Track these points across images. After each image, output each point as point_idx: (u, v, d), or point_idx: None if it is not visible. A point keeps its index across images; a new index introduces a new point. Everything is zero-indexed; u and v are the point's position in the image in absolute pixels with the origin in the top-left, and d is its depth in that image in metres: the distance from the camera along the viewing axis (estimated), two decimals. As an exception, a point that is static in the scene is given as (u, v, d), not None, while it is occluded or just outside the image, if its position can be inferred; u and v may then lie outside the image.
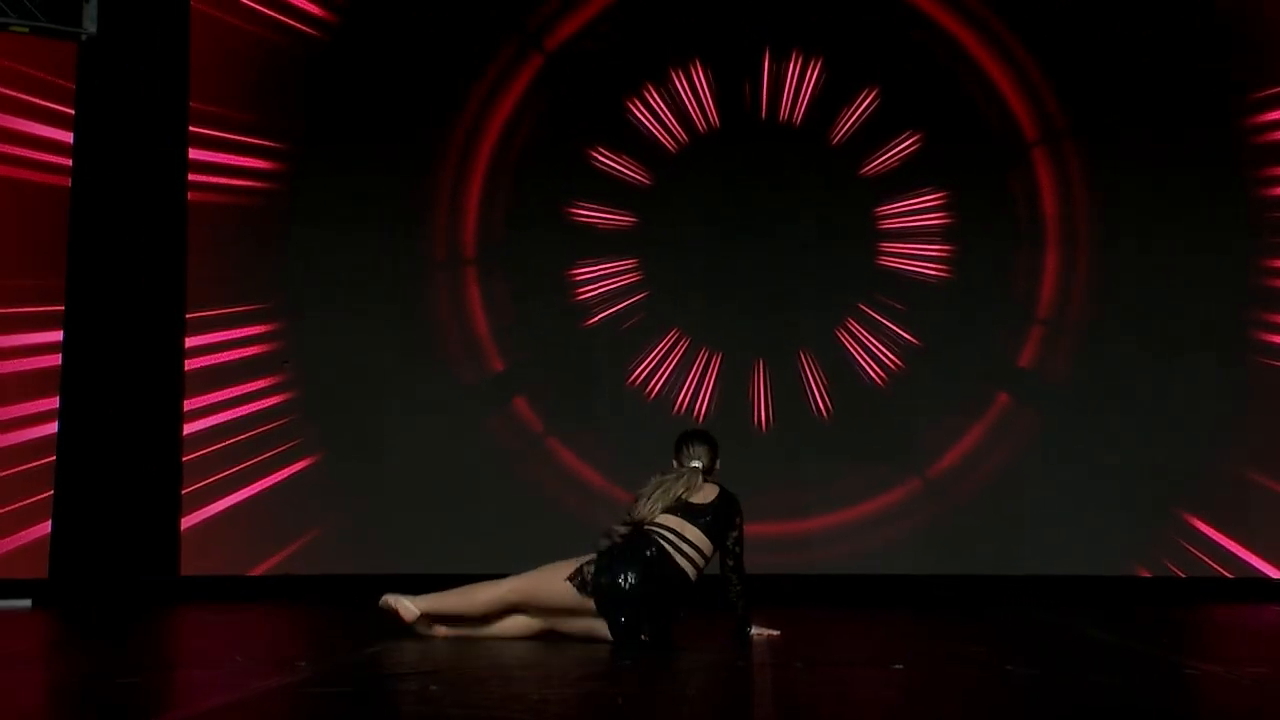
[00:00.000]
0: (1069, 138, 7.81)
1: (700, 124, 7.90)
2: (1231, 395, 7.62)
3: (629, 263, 7.87)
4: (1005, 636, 5.16)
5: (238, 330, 7.80)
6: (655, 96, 7.90)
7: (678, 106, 7.89)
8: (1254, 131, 7.75)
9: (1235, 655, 5.25)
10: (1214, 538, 7.53)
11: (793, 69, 7.87)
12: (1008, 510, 7.64)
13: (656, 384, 7.79)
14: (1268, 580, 7.45)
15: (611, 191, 7.85)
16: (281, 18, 7.86)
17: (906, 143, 7.81)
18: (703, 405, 7.78)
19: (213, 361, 7.78)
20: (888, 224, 7.80)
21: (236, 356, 7.78)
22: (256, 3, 7.85)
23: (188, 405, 7.71)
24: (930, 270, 7.77)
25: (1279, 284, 7.71)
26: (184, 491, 7.66)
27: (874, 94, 7.79)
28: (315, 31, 7.88)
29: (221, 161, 7.82)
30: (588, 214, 7.87)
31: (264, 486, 7.71)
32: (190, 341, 7.74)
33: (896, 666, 4.51)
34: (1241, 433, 7.59)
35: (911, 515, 7.62)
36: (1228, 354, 7.64)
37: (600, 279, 7.87)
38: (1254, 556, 7.49)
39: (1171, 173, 7.77)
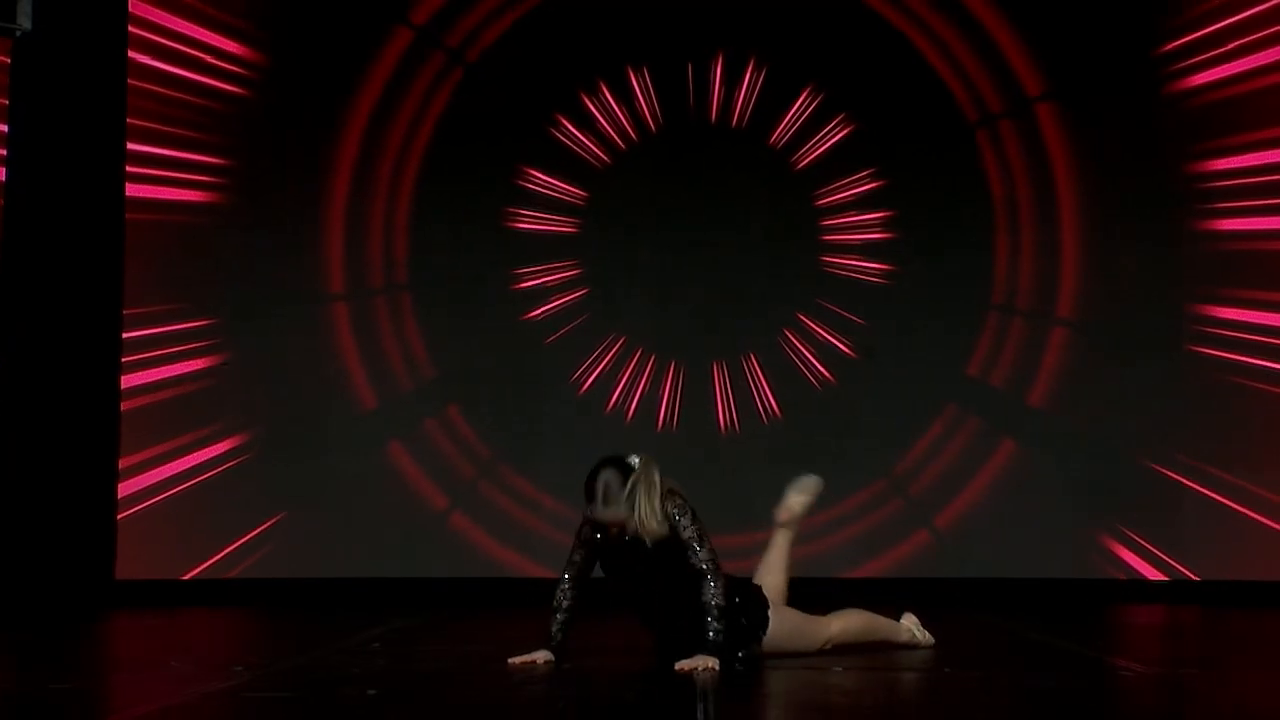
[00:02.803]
0: (1014, 124, 7.85)
1: (639, 128, 7.87)
2: (1168, 396, 7.69)
3: (568, 263, 7.85)
4: (945, 639, 5.19)
5: (176, 328, 7.72)
6: (591, 102, 7.87)
7: (614, 111, 7.87)
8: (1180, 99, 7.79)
9: (1165, 655, 5.32)
10: (1150, 541, 7.60)
11: (729, 70, 7.85)
12: (952, 513, 7.69)
13: (598, 388, 7.77)
14: (1196, 582, 7.53)
15: (548, 201, 7.83)
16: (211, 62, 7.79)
17: (849, 142, 7.83)
18: (657, 410, 7.77)
19: (151, 378, 7.68)
20: (833, 229, 7.82)
21: (174, 373, 7.68)
22: (186, 45, 7.76)
23: (125, 407, 7.61)
24: (875, 269, 7.80)
25: (1217, 292, 7.78)
26: (120, 495, 7.56)
27: (817, 94, 7.81)
28: (245, 72, 7.80)
29: (162, 154, 7.73)
30: (527, 221, 7.85)
31: (201, 490, 7.63)
32: (129, 342, 7.64)
33: (837, 669, 4.53)
34: (1177, 435, 7.66)
35: (857, 519, 7.64)
36: (1165, 353, 7.71)
37: (541, 284, 7.85)
38: (1185, 559, 7.57)
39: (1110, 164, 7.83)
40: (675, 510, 4.54)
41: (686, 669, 4.38)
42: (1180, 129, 7.76)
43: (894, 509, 7.67)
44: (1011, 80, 7.85)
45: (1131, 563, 7.58)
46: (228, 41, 7.79)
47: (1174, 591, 7.48)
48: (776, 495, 5.04)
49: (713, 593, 4.49)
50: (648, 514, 4.51)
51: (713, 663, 4.40)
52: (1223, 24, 7.73)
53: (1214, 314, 7.69)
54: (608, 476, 4.55)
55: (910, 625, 5.12)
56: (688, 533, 4.53)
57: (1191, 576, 7.53)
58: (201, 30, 7.77)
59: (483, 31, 7.88)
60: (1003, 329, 7.79)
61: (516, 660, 4.57)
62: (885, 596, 7.32)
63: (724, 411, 7.74)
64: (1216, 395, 7.64)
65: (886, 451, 7.71)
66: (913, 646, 5.05)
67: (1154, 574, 7.56)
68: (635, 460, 4.60)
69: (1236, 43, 7.72)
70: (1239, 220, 7.70)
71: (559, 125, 7.85)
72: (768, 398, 7.76)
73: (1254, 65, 7.72)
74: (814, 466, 7.54)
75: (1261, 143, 7.70)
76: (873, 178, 7.79)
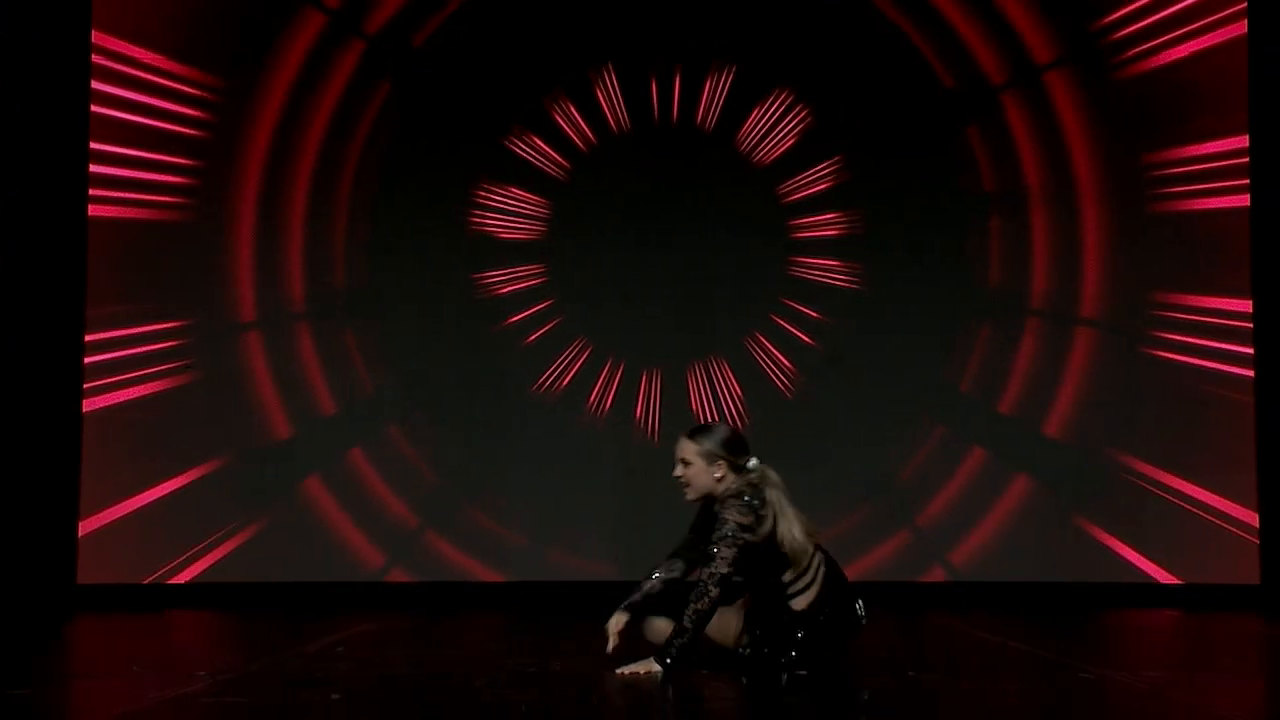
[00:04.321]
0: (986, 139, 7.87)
1: (602, 131, 7.84)
2: (1130, 397, 7.71)
3: (533, 269, 7.83)
4: (911, 642, 5.21)
5: (139, 331, 7.66)
6: (552, 106, 7.84)
7: (577, 115, 7.84)
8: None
9: (1130, 660, 5.34)
10: (1113, 544, 7.63)
11: (692, 71, 7.81)
12: (917, 517, 7.69)
13: (566, 395, 7.75)
14: (1162, 585, 7.56)
15: (514, 205, 7.80)
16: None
17: (815, 142, 7.82)
18: (626, 415, 7.75)
19: (115, 376, 7.61)
20: (800, 229, 7.81)
21: (139, 391, 7.62)
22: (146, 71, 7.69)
23: (87, 407, 7.55)
24: (843, 268, 7.79)
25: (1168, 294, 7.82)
26: (82, 499, 7.50)
27: (783, 92, 7.80)
28: (204, 94, 7.73)
29: (124, 176, 7.67)
30: (492, 223, 7.82)
31: (165, 493, 7.57)
32: (91, 340, 7.57)
33: (800, 673, 4.53)
34: (1140, 437, 7.69)
35: (828, 524, 7.62)
36: (1128, 354, 7.73)
37: (507, 287, 7.82)
38: (1148, 562, 7.60)
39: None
40: (729, 509, 4.56)
41: (626, 674, 4.38)
42: (1136, 114, 7.77)
43: (865, 513, 7.67)
44: (975, 69, 7.84)
45: (1101, 566, 7.59)
46: (186, 69, 7.70)
47: (1140, 595, 7.51)
48: None
49: (690, 606, 4.45)
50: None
51: (655, 668, 4.39)
52: (1173, 10, 7.77)
53: (1178, 310, 7.72)
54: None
55: None
56: (716, 534, 4.54)
57: (1158, 580, 7.55)
58: (161, 59, 7.70)
59: (440, 37, 7.83)
60: (974, 329, 7.79)
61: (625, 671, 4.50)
62: (866, 599, 7.34)
63: (696, 415, 7.73)
64: (1175, 394, 7.66)
65: (857, 455, 7.70)
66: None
67: (1124, 577, 7.57)
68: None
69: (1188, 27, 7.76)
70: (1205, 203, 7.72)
71: (522, 128, 7.81)
72: (738, 402, 7.75)
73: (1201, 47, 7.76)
74: (785, 470, 7.60)
75: (1214, 130, 7.72)
76: (838, 175, 7.78)
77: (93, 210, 7.61)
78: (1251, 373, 7.60)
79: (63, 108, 7.57)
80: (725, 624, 4.71)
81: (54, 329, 7.54)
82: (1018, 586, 7.57)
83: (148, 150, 7.67)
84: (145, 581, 7.50)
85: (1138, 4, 7.77)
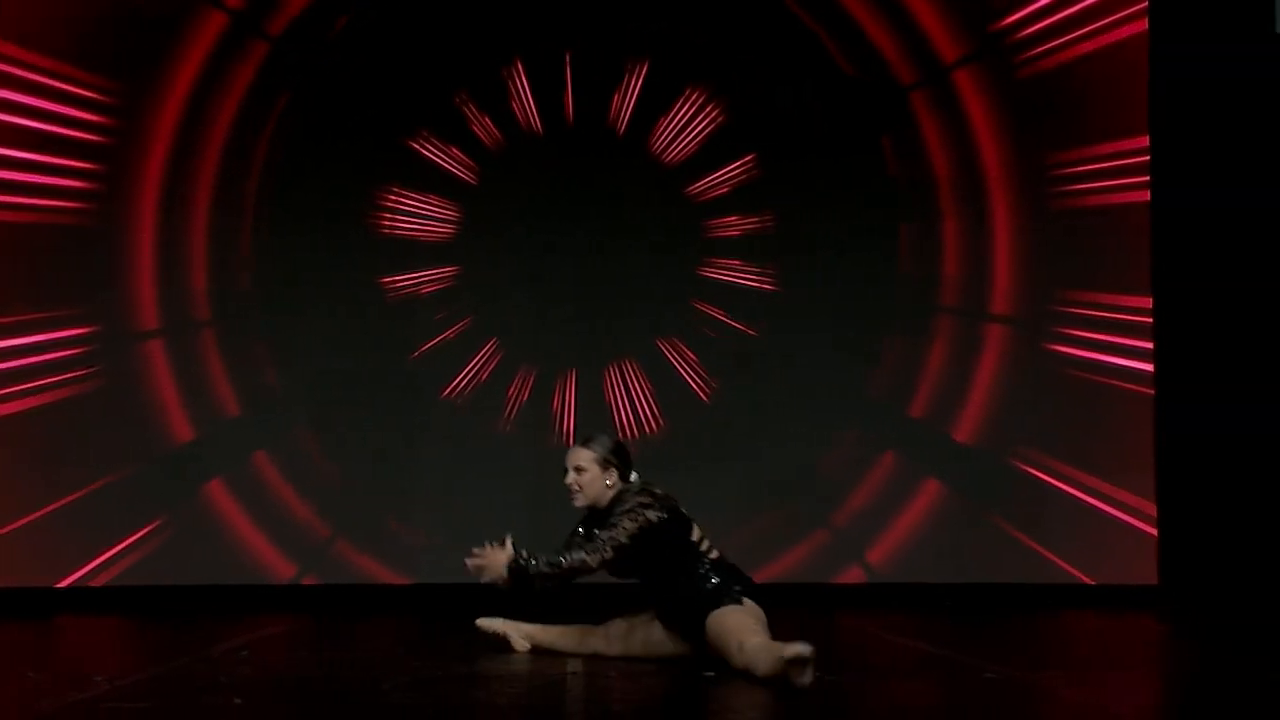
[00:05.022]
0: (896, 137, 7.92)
1: (516, 131, 7.79)
2: (1035, 395, 7.80)
3: (446, 270, 7.78)
4: (823, 644, 5.24)
5: (39, 335, 7.52)
6: (463, 104, 7.79)
7: (487, 117, 7.79)
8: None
9: (1032, 659, 5.42)
10: (1021, 544, 7.69)
11: (604, 69, 7.78)
12: (830, 519, 7.73)
13: (475, 397, 7.70)
14: (1067, 586, 7.65)
15: (423, 208, 7.75)
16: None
17: (728, 139, 7.81)
18: (536, 419, 7.72)
19: (12, 386, 7.46)
20: (714, 229, 7.82)
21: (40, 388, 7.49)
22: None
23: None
24: (754, 277, 7.82)
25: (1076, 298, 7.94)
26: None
27: (700, 98, 7.81)
28: (100, 97, 7.61)
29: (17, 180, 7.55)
30: (402, 225, 7.76)
31: (64, 499, 7.42)
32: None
33: (708, 674, 4.55)
34: (1045, 436, 7.77)
35: (741, 526, 7.65)
36: (1033, 351, 7.82)
37: (416, 289, 7.76)
38: (1054, 561, 7.69)
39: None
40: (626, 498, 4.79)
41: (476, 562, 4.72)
42: (1041, 112, 7.82)
43: (778, 515, 7.68)
44: (885, 69, 7.83)
45: (1009, 566, 7.66)
46: (82, 73, 7.55)
47: (1045, 595, 7.58)
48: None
49: (577, 551, 4.71)
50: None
51: (504, 571, 4.67)
52: (1076, 9, 7.86)
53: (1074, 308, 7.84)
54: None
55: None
56: (619, 510, 4.75)
57: (1063, 580, 7.63)
58: (54, 63, 7.53)
59: (345, 37, 7.73)
60: (885, 328, 7.83)
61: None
62: (773, 600, 7.37)
63: (611, 417, 7.71)
64: (1078, 392, 7.76)
65: (770, 456, 7.71)
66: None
67: (1031, 577, 7.63)
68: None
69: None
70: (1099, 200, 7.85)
71: (431, 129, 7.73)
72: (651, 404, 7.76)
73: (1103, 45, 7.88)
74: (699, 471, 7.63)
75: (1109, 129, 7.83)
76: (749, 174, 7.79)
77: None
78: (1151, 368, 7.69)
79: None
80: (650, 634, 4.81)
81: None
82: (930, 588, 7.63)
83: (45, 154, 7.52)
84: (42, 586, 7.35)
85: (1041, 3, 7.87)
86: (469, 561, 4.73)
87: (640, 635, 4.90)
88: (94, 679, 4.45)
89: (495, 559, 4.69)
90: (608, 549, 4.67)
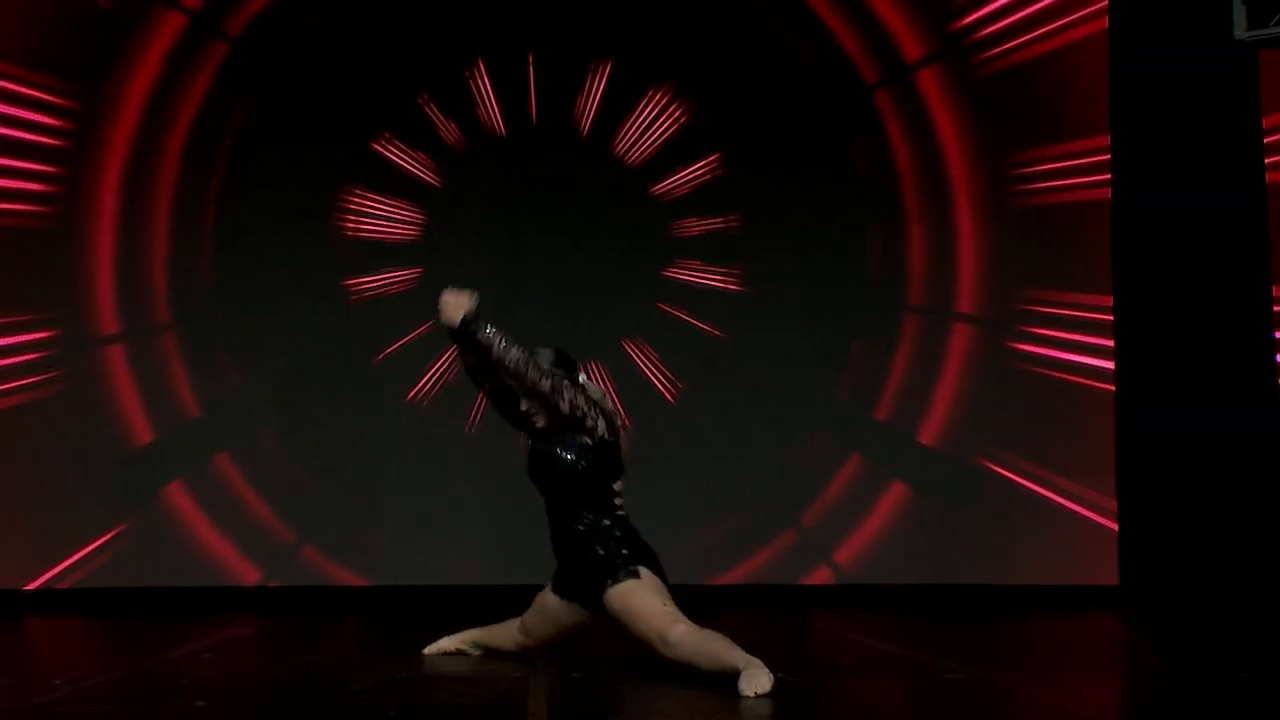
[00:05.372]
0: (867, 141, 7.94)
1: (479, 132, 7.76)
2: (998, 395, 7.83)
3: (409, 272, 7.76)
4: (786, 644, 5.26)
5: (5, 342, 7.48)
6: (428, 104, 7.78)
7: (451, 118, 7.77)
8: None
9: (995, 660, 5.45)
10: (985, 545, 7.73)
11: (568, 68, 7.75)
12: (797, 520, 7.74)
13: (440, 399, 7.68)
14: (1029, 586, 7.69)
15: (387, 209, 7.73)
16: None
17: (703, 155, 7.84)
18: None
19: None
20: (680, 230, 7.82)
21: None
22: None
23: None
24: (720, 278, 7.82)
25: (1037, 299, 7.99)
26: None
27: (664, 97, 7.81)
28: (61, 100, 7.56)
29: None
30: (366, 226, 7.73)
31: (33, 494, 7.38)
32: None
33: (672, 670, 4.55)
34: (1008, 436, 7.81)
35: (706, 525, 7.67)
36: (996, 351, 7.85)
37: (380, 291, 7.74)
38: (1017, 563, 7.74)
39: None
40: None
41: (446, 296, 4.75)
42: (1002, 111, 7.86)
43: (743, 518, 7.69)
44: (850, 69, 7.87)
45: (974, 568, 7.69)
46: (39, 76, 7.50)
47: (1009, 596, 7.61)
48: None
49: (519, 351, 4.79)
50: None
51: (458, 316, 4.76)
52: (1036, 8, 7.89)
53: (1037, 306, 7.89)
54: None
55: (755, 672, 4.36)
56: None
57: (1025, 581, 7.67)
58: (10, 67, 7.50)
59: (307, 36, 7.68)
60: (850, 328, 7.85)
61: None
62: (741, 602, 7.40)
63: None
64: (1041, 391, 7.79)
65: (737, 457, 7.71)
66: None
67: (995, 579, 7.68)
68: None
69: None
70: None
71: (394, 129, 7.72)
72: (617, 406, 7.74)
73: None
74: (667, 472, 7.64)
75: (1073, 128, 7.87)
76: (714, 174, 7.81)
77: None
78: (1112, 366, 7.73)
79: None
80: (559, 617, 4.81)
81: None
82: (897, 589, 7.66)
83: (3, 158, 7.48)
84: (11, 588, 7.30)
85: (1001, 2, 7.90)
86: (443, 295, 4.76)
87: (549, 623, 4.86)
88: (53, 680, 4.42)
89: (458, 302, 4.75)
90: (545, 381, 4.74)
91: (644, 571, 4.60)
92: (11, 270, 7.50)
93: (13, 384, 7.45)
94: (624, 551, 4.63)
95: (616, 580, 4.59)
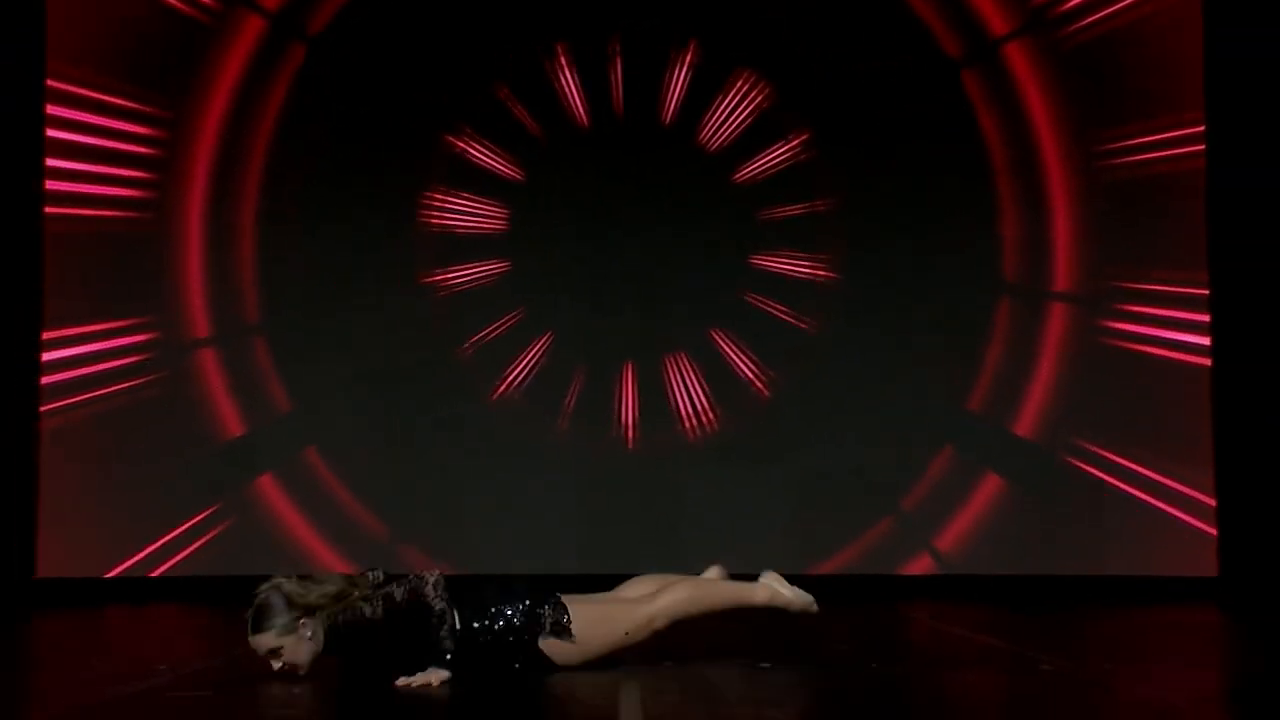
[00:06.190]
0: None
1: (560, 122, 7.76)
2: (1093, 382, 7.71)
3: (499, 265, 7.79)
4: (876, 634, 5.24)
5: (99, 326, 7.62)
6: (508, 96, 7.80)
7: (532, 109, 7.80)
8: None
9: (1089, 652, 5.38)
10: (1078, 537, 7.62)
11: (653, 57, 7.75)
12: (889, 512, 7.67)
13: (528, 391, 7.71)
14: (1125, 578, 7.58)
15: (469, 205, 7.77)
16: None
17: (790, 138, 7.78)
18: (595, 415, 7.72)
19: (74, 363, 7.59)
20: (767, 219, 7.79)
21: (99, 365, 7.59)
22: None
23: (45, 406, 7.48)
24: (808, 266, 7.77)
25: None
26: (41, 489, 7.44)
27: (749, 79, 7.75)
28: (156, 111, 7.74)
29: (84, 142, 7.62)
30: (450, 221, 7.78)
31: (128, 485, 7.52)
32: (50, 341, 7.54)
33: (764, 665, 4.54)
34: (1103, 424, 7.68)
35: (786, 516, 7.64)
36: (1090, 336, 7.73)
37: (465, 285, 7.78)
38: (1110, 554, 7.62)
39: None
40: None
41: (409, 684, 4.10)
42: (1093, 85, 7.70)
43: (836, 508, 7.63)
44: (928, 43, 7.78)
45: (1067, 559, 7.60)
46: (133, 88, 7.63)
47: (1105, 587, 7.50)
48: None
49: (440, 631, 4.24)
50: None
51: (442, 674, 4.15)
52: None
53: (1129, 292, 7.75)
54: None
55: (771, 583, 4.61)
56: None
57: (1122, 573, 7.55)
58: (109, 80, 7.63)
59: (386, 34, 7.74)
60: (944, 314, 7.73)
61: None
62: (834, 592, 7.35)
63: (672, 409, 7.70)
64: (1137, 379, 7.64)
65: (828, 449, 7.66)
66: (784, 609, 4.62)
67: (1090, 570, 7.56)
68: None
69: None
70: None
71: (474, 121, 7.74)
72: (704, 397, 7.73)
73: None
74: (756, 465, 7.62)
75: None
76: (800, 158, 7.73)
77: (49, 227, 7.57)
78: (1209, 351, 7.58)
79: (17, 134, 7.55)
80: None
81: (10, 333, 7.50)
82: (990, 579, 7.56)
83: (102, 166, 7.62)
84: (105, 576, 7.45)
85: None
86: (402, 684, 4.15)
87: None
88: (156, 667, 4.51)
89: (436, 677, 4.18)
90: (445, 637, 4.23)
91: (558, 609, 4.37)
92: (115, 276, 7.64)
93: (116, 386, 7.59)
94: (536, 609, 4.35)
95: (542, 636, 4.34)
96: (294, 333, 7.72)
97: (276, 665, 4.20)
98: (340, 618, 4.20)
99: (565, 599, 4.41)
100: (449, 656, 4.19)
